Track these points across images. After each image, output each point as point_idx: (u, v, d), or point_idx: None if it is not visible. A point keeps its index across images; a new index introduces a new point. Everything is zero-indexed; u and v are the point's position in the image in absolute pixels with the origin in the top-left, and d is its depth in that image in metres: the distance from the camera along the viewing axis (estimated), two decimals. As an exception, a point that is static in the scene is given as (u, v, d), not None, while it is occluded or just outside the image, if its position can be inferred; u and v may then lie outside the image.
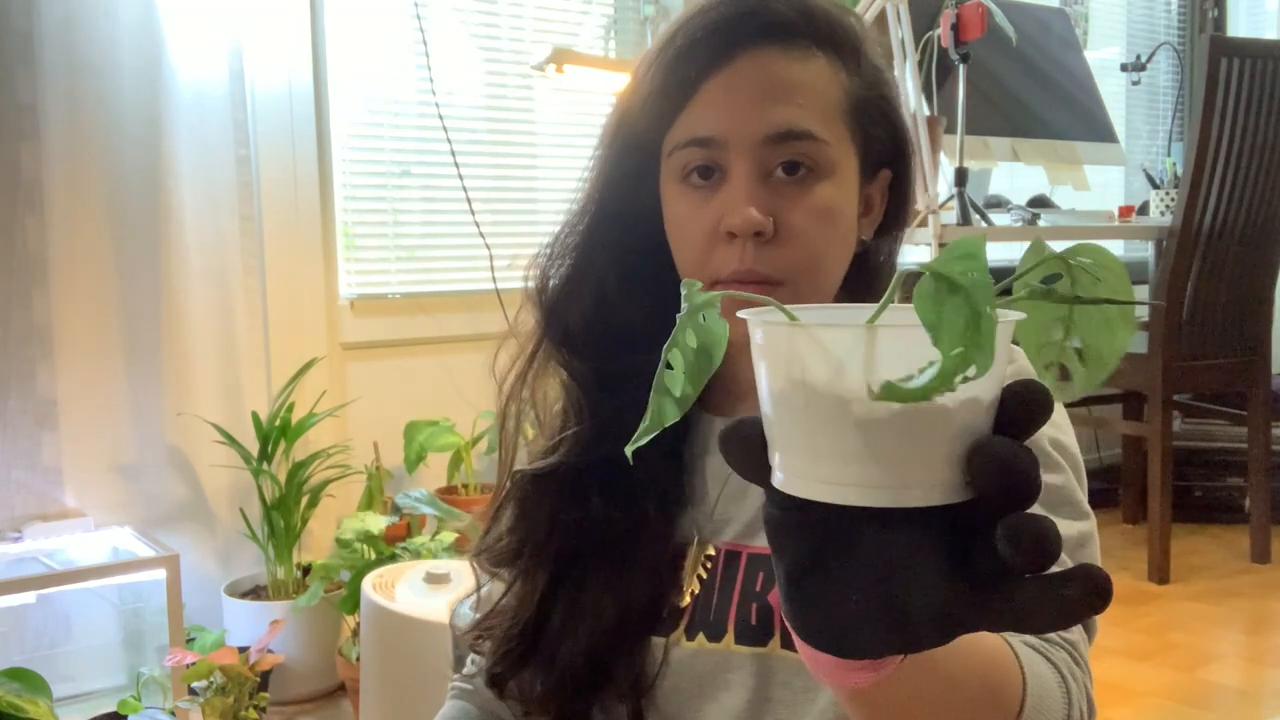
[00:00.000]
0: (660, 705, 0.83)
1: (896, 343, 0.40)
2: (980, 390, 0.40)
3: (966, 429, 0.41)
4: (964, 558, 0.41)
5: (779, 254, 0.78)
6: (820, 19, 0.80)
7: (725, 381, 0.91)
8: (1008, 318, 0.42)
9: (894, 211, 0.86)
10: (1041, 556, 0.40)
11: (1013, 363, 0.77)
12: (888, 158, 0.84)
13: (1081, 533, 0.79)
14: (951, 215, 2.63)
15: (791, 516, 0.43)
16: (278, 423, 2.25)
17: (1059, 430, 0.81)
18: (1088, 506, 0.81)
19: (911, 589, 0.41)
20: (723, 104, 0.78)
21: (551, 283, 0.86)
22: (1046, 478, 0.78)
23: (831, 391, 0.41)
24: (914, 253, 2.46)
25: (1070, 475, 0.80)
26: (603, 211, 0.84)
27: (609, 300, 0.86)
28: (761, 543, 0.83)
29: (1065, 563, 0.68)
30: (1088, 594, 0.40)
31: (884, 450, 0.40)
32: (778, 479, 0.43)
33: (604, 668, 0.82)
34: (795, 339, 0.41)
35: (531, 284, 0.87)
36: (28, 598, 1.97)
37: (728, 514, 0.84)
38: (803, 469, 0.42)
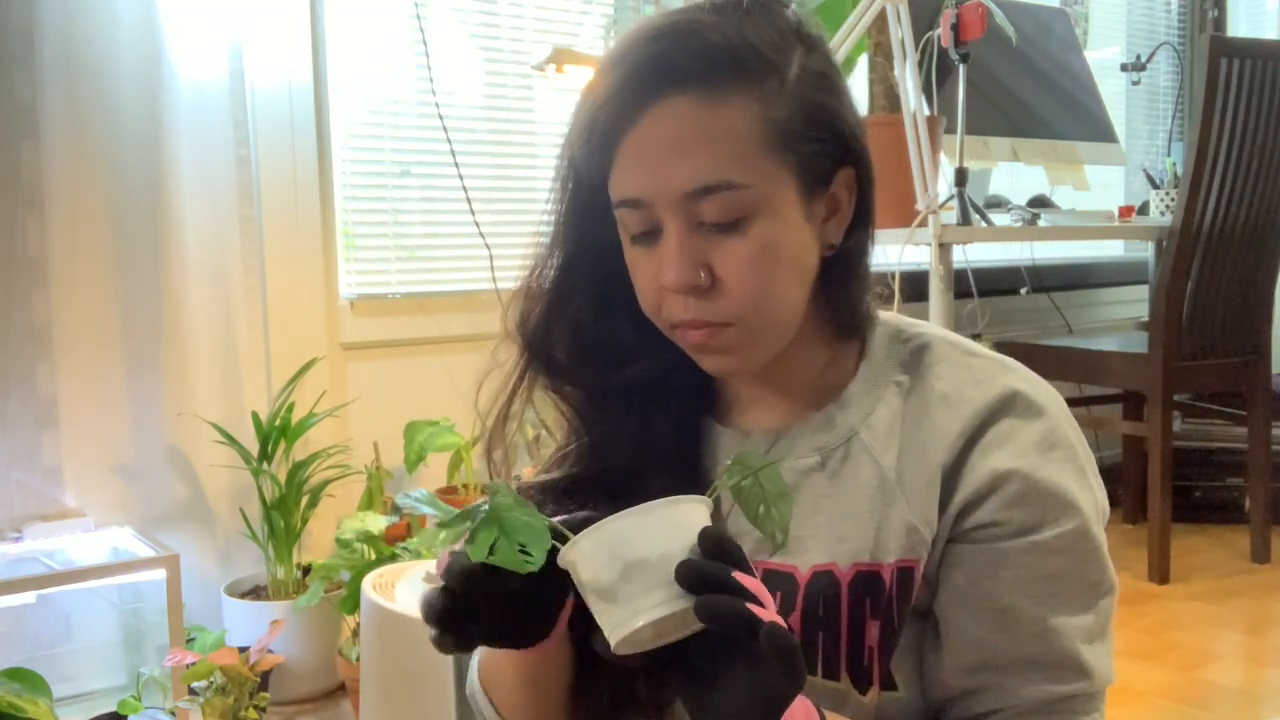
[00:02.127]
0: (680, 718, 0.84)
1: (597, 537, 0.67)
2: (664, 545, 0.66)
3: (668, 566, 0.65)
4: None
5: (720, 301, 0.79)
6: (725, 54, 0.76)
7: (730, 396, 0.91)
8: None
9: (862, 205, 0.84)
10: (777, 655, 0.64)
11: (998, 384, 0.83)
12: (841, 158, 0.82)
13: (1082, 627, 0.81)
14: (951, 215, 2.63)
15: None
16: (278, 423, 2.25)
17: (1066, 491, 0.81)
18: (1105, 577, 0.82)
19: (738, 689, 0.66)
20: (640, 164, 0.77)
21: (532, 319, 0.87)
22: (1040, 568, 0.80)
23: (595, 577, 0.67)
24: (915, 252, 2.47)
25: (1077, 555, 0.81)
26: (570, 249, 0.85)
27: (589, 328, 0.87)
28: (778, 559, 0.83)
29: (1071, 655, 0.81)
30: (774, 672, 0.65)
31: (633, 591, 0.65)
32: (615, 639, 0.66)
33: (625, 682, 0.83)
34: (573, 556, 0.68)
35: (511, 324, 0.88)
36: (28, 598, 1.97)
37: (741, 528, 0.83)
38: (610, 628, 0.67)
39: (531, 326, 0.87)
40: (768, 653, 0.63)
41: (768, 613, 0.65)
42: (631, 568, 0.66)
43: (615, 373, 0.87)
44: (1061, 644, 0.80)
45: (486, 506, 0.69)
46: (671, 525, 0.67)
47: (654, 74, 0.76)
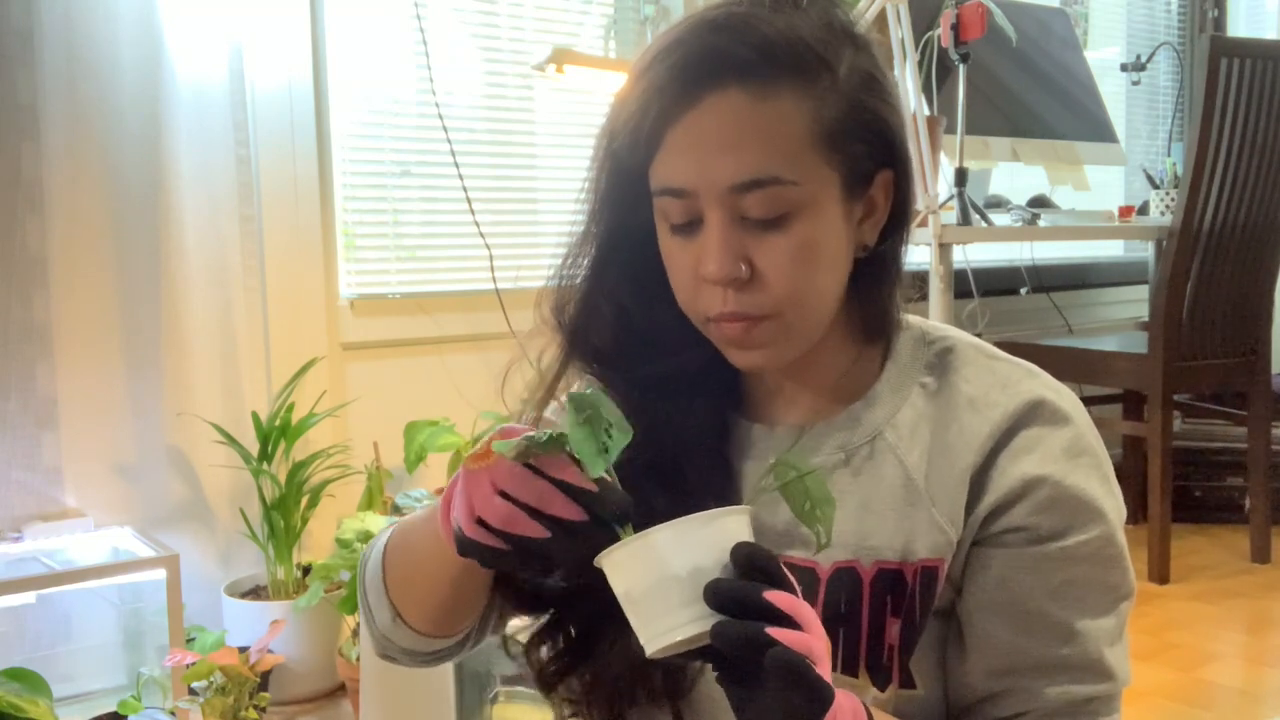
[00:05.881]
0: (696, 710, 0.84)
1: (633, 548, 0.67)
2: (698, 560, 0.66)
3: (699, 582, 0.66)
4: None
5: (758, 296, 0.78)
6: (781, 49, 0.76)
7: (756, 391, 0.91)
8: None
9: (898, 208, 0.84)
10: (780, 677, 0.64)
11: (1020, 394, 0.84)
12: (883, 160, 0.82)
13: (1105, 630, 0.82)
14: (951, 215, 2.63)
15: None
16: (278, 423, 2.25)
17: (1092, 498, 0.82)
18: (1126, 581, 0.84)
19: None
20: (688, 154, 0.77)
21: (569, 308, 0.86)
22: (1067, 573, 0.81)
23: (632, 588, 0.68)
24: (914, 252, 2.46)
25: (1101, 560, 0.82)
26: (606, 234, 0.85)
27: (630, 312, 0.86)
28: (795, 552, 0.83)
29: (1095, 658, 0.82)
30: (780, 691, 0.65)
31: (663, 606, 0.66)
32: (648, 651, 0.67)
33: (645, 675, 0.83)
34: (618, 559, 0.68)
35: (548, 312, 0.87)
36: (28, 598, 1.97)
37: (762, 521, 0.84)
38: (640, 637, 0.68)
39: (570, 315, 0.87)
40: (773, 678, 0.64)
41: (790, 633, 0.65)
42: (665, 582, 0.66)
43: (651, 363, 0.87)
44: (1086, 647, 0.81)
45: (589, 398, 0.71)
46: (707, 540, 0.67)
47: (708, 65, 0.76)
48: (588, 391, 0.71)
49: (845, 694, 0.70)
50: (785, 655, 0.64)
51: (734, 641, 0.65)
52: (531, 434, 0.70)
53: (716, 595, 0.65)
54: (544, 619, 0.90)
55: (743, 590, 0.66)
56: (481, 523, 0.71)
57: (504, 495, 0.70)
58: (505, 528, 0.70)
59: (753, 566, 0.66)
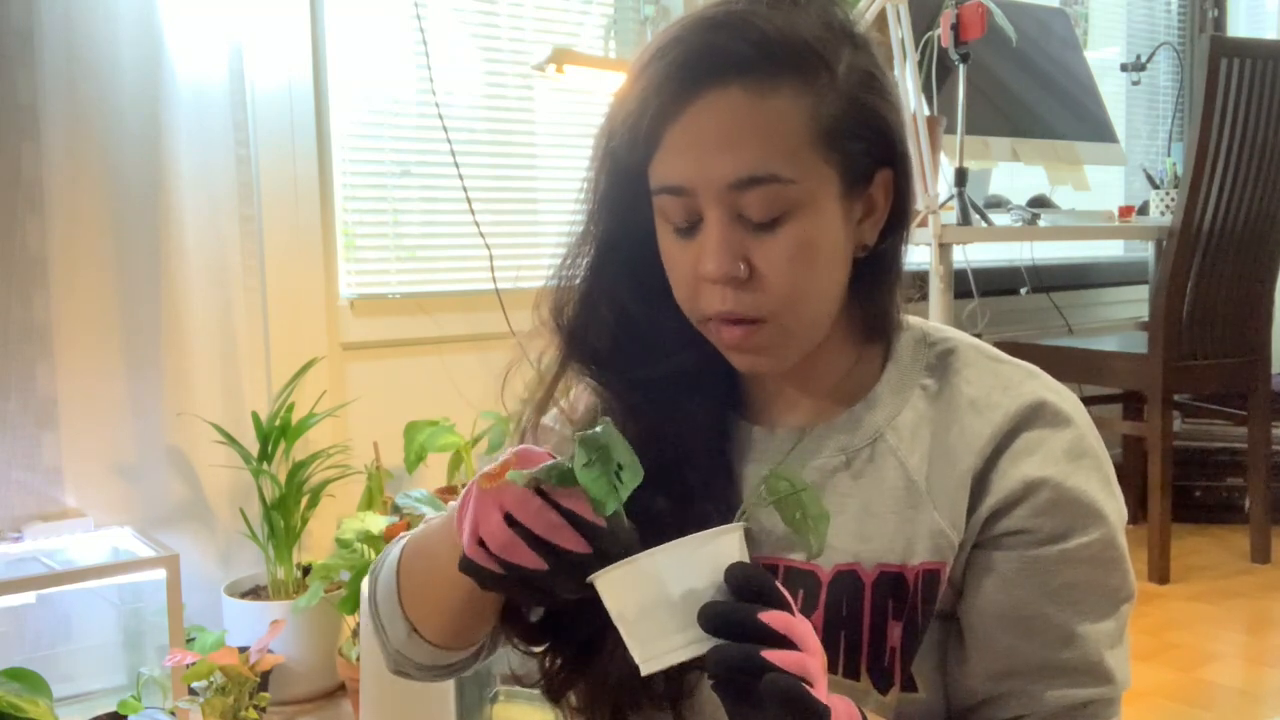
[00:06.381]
0: (698, 711, 0.84)
1: (626, 571, 0.67)
2: (691, 583, 0.66)
3: (693, 605, 0.66)
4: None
5: (757, 296, 0.78)
6: (780, 46, 0.76)
7: (756, 392, 0.91)
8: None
9: (898, 207, 0.84)
10: (776, 702, 0.63)
11: (1022, 396, 0.83)
12: (882, 159, 0.81)
13: (1105, 633, 0.82)
14: (951, 215, 2.63)
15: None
16: (278, 423, 2.25)
17: (1094, 503, 0.82)
18: (1126, 584, 0.83)
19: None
20: (686, 152, 0.76)
21: (568, 310, 0.86)
22: (1067, 576, 0.81)
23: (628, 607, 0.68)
24: (915, 252, 2.46)
25: (1102, 563, 0.82)
26: (605, 234, 0.84)
27: (630, 313, 0.86)
28: (798, 556, 0.83)
29: (1095, 661, 0.82)
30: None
31: (658, 629, 0.66)
32: (643, 671, 0.67)
33: (647, 682, 0.83)
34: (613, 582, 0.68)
35: (546, 314, 0.87)
36: (28, 598, 1.97)
37: (763, 525, 0.83)
38: (641, 656, 0.68)
39: (569, 317, 0.86)
40: (770, 703, 0.64)
41: (785, 655, 0.65)
42: (659, 605, 0.66)
43: (650, 364, 0.87)
44: (1086, 650, 0.81)
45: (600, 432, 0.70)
46: (701, 562, 0.67)
47: (707, 62, 0.76)
48: (598, 430, 0.70)
49: (842, 699, 0.70)
50: (781, 681, 0.63)
51: (729, 666, 0.65)
52: (548, 464, 0.70)
53: (710, 619, 0.65)
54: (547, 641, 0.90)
55: (737, 612, 0.65)
56: (482, 544, 0.71)
57: (511, 520, 0.70)
58: (502, 555, 0.70)
59: (747, 587, 0.66)
